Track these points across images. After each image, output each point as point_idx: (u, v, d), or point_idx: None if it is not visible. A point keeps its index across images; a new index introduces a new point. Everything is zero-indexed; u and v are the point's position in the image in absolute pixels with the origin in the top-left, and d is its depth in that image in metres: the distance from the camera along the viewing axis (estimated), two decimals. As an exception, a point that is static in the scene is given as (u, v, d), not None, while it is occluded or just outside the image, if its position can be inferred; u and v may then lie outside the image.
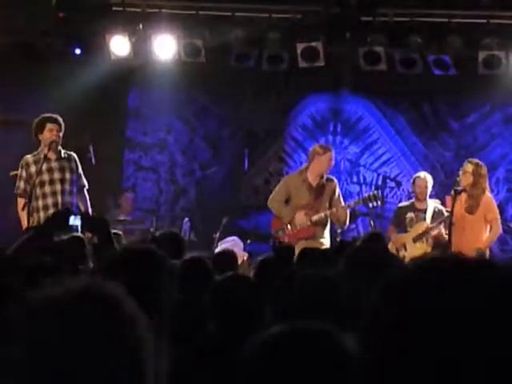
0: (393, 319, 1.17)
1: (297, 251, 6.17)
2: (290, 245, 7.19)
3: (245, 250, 9.25)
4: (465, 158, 9.06)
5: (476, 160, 8.79)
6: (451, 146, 11.65)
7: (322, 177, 8.78)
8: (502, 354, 1.13)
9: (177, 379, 2.69)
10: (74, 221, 4.07)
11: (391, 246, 8.71)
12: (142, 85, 11.82)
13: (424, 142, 11.71)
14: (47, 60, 10.75)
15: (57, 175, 8.19)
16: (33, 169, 8.16)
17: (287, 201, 8.79)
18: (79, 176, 8.35)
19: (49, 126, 8.18)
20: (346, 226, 9.09)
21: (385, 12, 10.21)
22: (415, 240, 8.91)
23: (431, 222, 8.90)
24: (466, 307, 1.15)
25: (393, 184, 11.79)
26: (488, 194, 8.76)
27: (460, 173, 8.68)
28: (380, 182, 11.79)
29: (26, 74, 10.79)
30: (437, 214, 8.97)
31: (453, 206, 8.38)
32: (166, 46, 10.47)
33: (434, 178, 9.61)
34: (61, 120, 8.23)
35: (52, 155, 8.17)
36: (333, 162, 8.93)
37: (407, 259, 8.12)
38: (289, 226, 8.71)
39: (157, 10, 10.42)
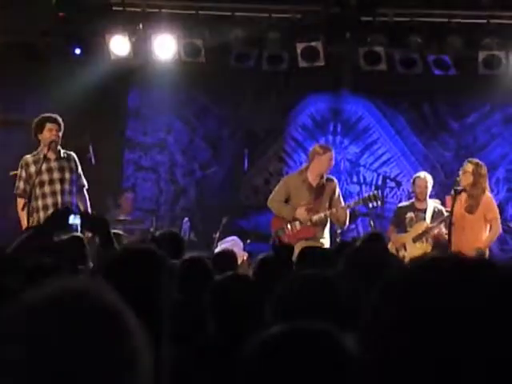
0: (393, 319, 1.17)
1: (297, 251, 6.17)
2: (290, 244, 7.19)
3: (245, 249, 9.24)
4: (465, 158, 9.06)
5: (476, 160, 8.79)
6: (451, 146, 11.65)
7: (322, 177, 8.78)
8: (502, 354, 1.13)
9: (177, 379, 2.69)
10: (74, 220, 4.07)
11: (391, 246, 8.71)
12: (142, 85, 11.82)
13: (424, 142, 11.71)
14: (47, 60, 10.75)
15: (56, 175, 8.19)
16: (32, 169, 8.16)
17: (287, 201, 8.78)
18: (79, 176, 8.35)
19: (48, 125, 8.18)
20: (345, 227, 9.09)
21: (385, 12, 10.21)
22: (415, 240, 8.91)
23: (431, 222, 8.90)
24: (465, 307, 1.15)
25: (393, 184, 11.79)
26: (488, 193, 8.76)
27: (460, 173, 8.68)
28: (380, 182, 11.79)
29: (26, 73, 10.79)
30: (437, 214, 8.97)
31: (453, 206, 8.38)
32: (165, 46, 10.47)
33: (434, 178, 9.61)
34: (60, 120, 8.23)
35: (51, 155, 8.17)
36: (333, 162, 8.93)
37: (407, 259, 8.13)
38: (289, 226, 8.70)
39: (157, 10, 10.43)
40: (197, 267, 4.30)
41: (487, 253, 8.64)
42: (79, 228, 6.01)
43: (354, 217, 9.73)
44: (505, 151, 11.50)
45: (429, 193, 9.15)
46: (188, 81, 11.37)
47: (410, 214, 9.07)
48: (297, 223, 8.70)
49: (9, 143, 10.61)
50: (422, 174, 9.31)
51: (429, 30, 10.16)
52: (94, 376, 1.23)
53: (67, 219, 4.06)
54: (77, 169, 8.34)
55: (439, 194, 10.24)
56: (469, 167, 8.59)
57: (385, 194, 11.40)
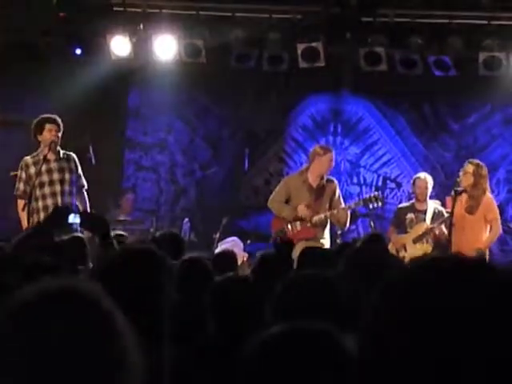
0: (393, 319, 1.17)
1: (297, 252, 6.17)
2: (290, 240, 7.17)
3: (245, 250, 9.25)
4: (465, 159, 9.06)
5: (476, 161, 8.79)
6: (451, 147, 11.65)
7: (322, 178, 8.78)
8: (502, 354, 1.13)
9: (177, 379, 2.69)
10: (74, 219, 4.06)
11: (391, 247, 8.71)
12: (142, 85, 11.82)
13: (424, 143, 11.71)
14: (47, 60, 10.75)
15: (56, 176, 8.18)
16: (32, 170, 8.15)
17: (287, 201, 8.78)
18: (79, 176, 8.34)
19: (48, 126, 8.17)
20: (346, 228, 9.09)
21: (385, 12, 10.21)
22: (415, 241, 8.91)
23: (431, 223, 8.90)
24: (465, 307, 1.15)
25: (393, 185, 11.79)
26: (489, 194, 8.76)
27: (460, 173, 8.68)
28: (380, 183, 11.79)
29: (27, 73, 10.79)
30: (437, 215, 8.97)
31: (453, 207, 8.38)
32: (166, 47, 10.47)
33: (435, 179, 9.61)
34: (59, 120, 8.22)
35: (51, 156, 8.16)
36: (333, 163, 8.93)
37: (407, 260, 8.12)
38: (289, 226, 8.70)
39: (157, 11, 10.43)
40: (196, 267, 4.29)
41: (487, 253, 8.64)
42: (79, 228, 6.00)
43: (354, 218, 9.72)
44: (505, 152, 11.50)
45: (429, 194, 9.15)
46: (188, 81, 11.37)
47: (410, 215, 9.07)
48: (297, 223, 8.70)
49: (9, 143, 10.62)
50: (422, 174, 9.31)
51: (429, 31, 10.16)
52: (83, 375, 1.23)
53: (67, 218, 4.05)
54: (77, 169, 8.33)
55: (439, 194, 10.24)
56: (469, 168, 8.59)
57: (385, 194, 11.39)
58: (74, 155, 8.38)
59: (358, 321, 1.27)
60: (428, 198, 9.14)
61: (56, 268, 3.58)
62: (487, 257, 8.59)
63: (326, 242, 8.69)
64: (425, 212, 9.00)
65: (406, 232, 9.05)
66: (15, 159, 8.56)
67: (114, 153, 11.64)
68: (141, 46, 10.59)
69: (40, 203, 8.07)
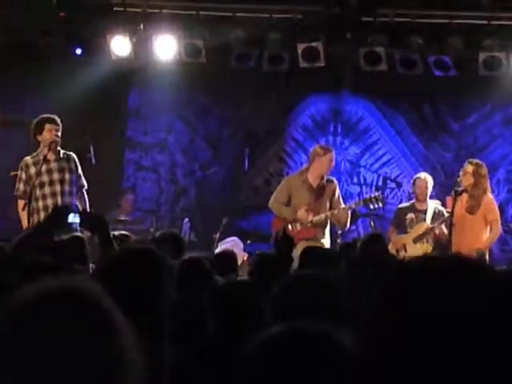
0: (393, 319, 1.17)
1: (298, 251, 6.17)
2: (291, 236, 7.17)
3: (245, 250, 9.25)
4: (465, 159, 9.05)
5: (476, 160, 8.79)
6: (451, 147, 11.65)
7: (322, 178, 8.78)
8: (502, 354, 1.13)
9: (177, 379, 2.69)
10: (74, 218, 4.06)
11: (391, 247, 8.71)
12: (142, 85, 11.82)
13: (424, 143, 11.71)
14: (48, 60, 10.75)
15: (56, 176, 8.18)
16: (32, 170, 8.15)
17: (288, 201, 8.77)
18: (79, 176, 8.33)
19: (48, 126, 8.16)
20: (346, 228, 9.09)
21: (385, 12, 10.21)
22: (415, 241, 8.91)
23: (431, 223, 8.90)
24: (465, 307, 1.15)
25: (393, 185, 11.79)
26: (489, 194, 8.76)
27: (460, 173, 8.68)
28: (380, 183, 11.79)
29: (27, 73, 10.79)
30: (437, 215, 8.97)
31: (453, 207, 8.38)
32: (166, 47, 10.47)
33: (435, 179, 9.61)
34: (59, 120, 8.22)
35: (51, 156, 8.16)
36: (333, 164, 8.93)
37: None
38: (289, 226, 8.70)
39: (157, 11, 10.43)
40: (196, 267, 4.29)
41: (487, 254, 8.64)
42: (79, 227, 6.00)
43: (354, 218, 9.72)
44: (505, 152, 11.50)
45: (429, 194, 9.16)
46: (188, 81, 11.37)
47: (410, 215, 9.07)
48: (297, 224, 8.70)
49: (9, 143, 10.61)
50: (423, 174, 9.32)
51: (429, 31, 10.16)
52: (83, 375, 1.23)
53: (66, 218, 4.05)
54: (77, 169, 8.33)
55: (439, 194, 10.24)
56: (469, 168, 8.59)
57: (385, 194, 11.39)
58: (74, 155, 8.38)
59: (358, 321, 1.27)
60: (428, 197, 9.14)
61: (56, 268, 3.58)
62: (487, 257, 8.60)
63: (327, 242, 8.69)
64: (425, 212, 9.01)
65: (406, 232, 9.05)
66: (15, 159, 8.55)
67: (114, 153, 11.64)
68: (141, 45, 10.59)
69: (40, 203, 8.07)
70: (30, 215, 7.86)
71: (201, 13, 10.41)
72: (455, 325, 1.14)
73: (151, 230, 10.37)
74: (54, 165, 8.20)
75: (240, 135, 11.94)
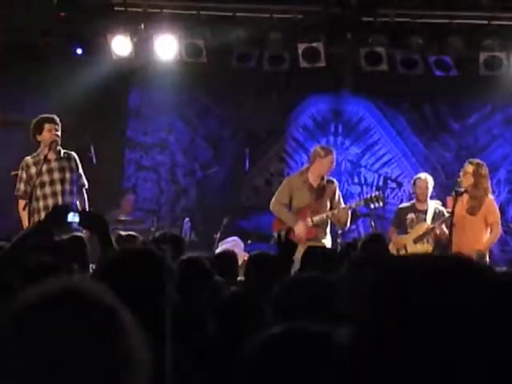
0: (393, 319, 1.16)
1: (300, 252, 6.18)
2: (294, 241, 7.18)
3: (245, 250, 9.24)
4: (466, 159, 9.05)
5: (476, 160, 8.79)
6: (452, 147, 11.64)
7: (322, 178, 8.78)
8: (502, 355, 1.13)
9: (177, 379, 2.69)
10: (73, 218, 4.05)
11: (392, 247, 8.70)
12: (143, 85, 11.82)
13: (425, 143, 11.70)
14: (48, 60, 10.75)
15: (57, 175, 8.18)
16: (33, 170, 8.15)
17: (289, 202, 8.77)
18: (79, 176, 8.33)
19: (47, 126, 8.16)
20: (346, 228, 9.10)
21: (386, 12, 10.21)
22: (416, 241, 8.91)
23: (432, 223, 8.90)
24: (465, 307, 1.15)
25: (394, 185, 11.78)
26: (490, 196, 8.76)
27: (461, 174, 8.68)
28: (381, 183, 11.79)
29: (27, 73, 10.78)
30: (437, 215, 8.97)
31: (454, 207, 8.38)
32: (167, 46, 10.47)
33: (435, 179, 9.61)
34: (58, 119, 8.21)
35: (52, 155, 8.16)
36: (334, 165, 8.94)
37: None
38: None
39: (158, 10, 10.43)
40: (195, 267, 4.28)
41: (487, 255, 8.63)
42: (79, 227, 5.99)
43: (355, 217, 9.72)
44: (506, 152, 11.49)
45: (429, 194, 9.15)
46: (189, 81, 11.37)
47: (410, 215, 9.07)
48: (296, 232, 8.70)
49: (9, 143, 10.61)
50: (423, 175, 9.32)
51: (430, 31, 10.16)
52: (89, 374, 1.23)
53: (66, 217, 4.04)
54: (77, 168, 8.33)
55: (440, 195, 10.24)
56: (469, 168, 8.59)
57: (386, 194, 11.38)
58: (74, 154, 8.37)
59: (359, 321, 1.26)
60: (428, 198, 9.14)
61: (56, 268, 3.58)
62: (487, 258, 8.60)
63: (328, 242, 8.70)
64: (425, 212, 9.01)
65: (406, 232, 9.05)
66: (15, 159, 8.55)
67: (114, 153, 11.64)
68: (142, 45, 10.59)
69: (41, 203, 8.07)
70: (30, 215, 7.86)
71: (202, 13, 10.41)
72: (455, 325, 1.14)
73: (152, 229, 10.36)
74: (54, 164, 8.20)
75: (241, 135, 11.93)
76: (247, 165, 11.53)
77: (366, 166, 11.82)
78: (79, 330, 1.23)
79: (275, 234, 8.81)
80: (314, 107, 11.90)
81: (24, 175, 8.20)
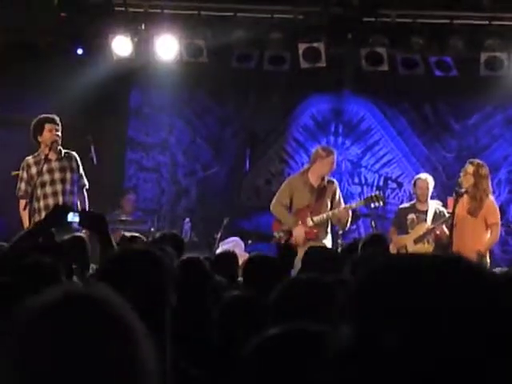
0: (379, 319, 1.16)
1: (300, 252, 6.19)
2: (294, 246, 7.19)
3: (246, 250, 9.24)
4: (466, 160, 9.05)
5: (477, 160, 8.79)
6: (453, 148, 11.64)
7: (323, 178, 8.79)
8: (501, 355, 1.13)
9: (177, 379, 2.69)
10: (73, 218, 4.05)
11: (392, 248, 8.70)
12: (143, 85, 11.83)
13: (425, 143, 11.70)
14: (48, 60, 10.74)
15: (57, 175, 8.18)
16: (34, 170, 8.15)
17: (290, 202, 8.77)
18: (80, 176, 8.34)
19: (48, 126, 8.16)
20: (347, 228, 9.10)
21: (386, 13, 10.21)
22: (416, 241, 8.91)
23: (432, 223, 8.90)
24: (462, 307, 1.15)
25: (394, 185, 11.78)
26: (491, 197, 8.75)
27: (461, 174, 8.68)
28: (381, 183, 11.78)
29: (28, 73, 10.78)
30: (438, 216, 8.97)
31: (454, 208, 8.37)
32: (167, 47, 10.47)
33: (436, 180, 9.61)
34: (58, 119, 8.21)
35: (52, 155, 8.16)
36: (335, 166, 8.95)
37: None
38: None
39: (159, 11, 10.43)
40: (194, 268, 4.27)
41: (487, 255, 8.63)
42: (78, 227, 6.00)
43: (355, 218, 9.73)
44: (506, 152, 11.48)
45: (430, 194, 9.16)
46: (190, 81, 11.37)
47: (411, 216, 9.07)
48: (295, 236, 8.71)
49: (9, 143, 10.61)
50: (423, 175, 9.32)
51: (430, 31, 10.15)
52: (98, 380, 1.22)
53: (65, 217, 4.04)
54: (78, 168, 8.33)
55: (440, 195, 10.24)
56: (470, 168, 8.59)
57: (386, 195, 11.38)
58: (75, 154, 8.38)
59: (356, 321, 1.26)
60: (429, 198, 9.15)
61: (56, 268, 3.58)
62: (488, 259, 8.59)
63: (328, 242, 8.70)
64: (426, 212, 9.01)
65: (407, 232, 9.06)
66: (16, 159, 8.56)
67: (115, 153, 11.64)
68: (142, 45, 10.59)
69: (41, 203, 8.07)
70: (31, 215, 7.86)
71: (202, 13, 10.41)
72: (451, 325, 1.14)
73: (152, 230, 10.36)
74: (55, 164, 8.20)
75: (241, 135, 11.93)
76: (248, 165, 11.52)
77: (367, 166, 11.82)
78: (90, 337, 1.23)
79: (275, 234, 8.83)
80: (315, 107, 11.90)
81: (25, 175, 8.20)
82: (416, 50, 10.22)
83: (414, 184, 9.24)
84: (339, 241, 9.27)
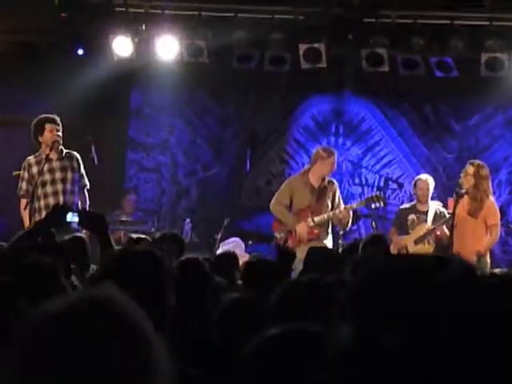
0: (379, 319, 1.16)
1: (301, 253, 6.18)
2: (293, 250, 7.18)
3: (246, 251, 9.24)
4: (467, 160, 9.06)
5: (477, 161, 8.79)
6: (453, 148, 11.63)
7: (323, 179, 8.79)
8: (501, 355, 1.13)
9: (177, 379, 2.68)
10: (72, 218, 4.04)
11: (393, 248, 8.71)
12: (144, 85, 11.83)
13: (426, 144, 11.69)
14: (49, 60, 10.75)
15: (58, 175, 8.19)
16: (35, 169, 8.16)
17: (290, 202, 8.77)
18: (81, 175, 8.34)
19: (48, 126, 8.16)
20: (348, 228, 9.11)
21: (387, 14, 10.21)
22: (417, 242, 8.92)
23: (432, 224, 8.91)
24: (464, 307, 1.15)
25: (395, 186, 11.78)
26: (491, 198, 8.75)
27: (462, 175, 8.68)
28: (382, 184, 11.78)
29: (28, 73, 10.78)
30: (438, 216, 8.98)
31: (455, 208, 8.37)
32: (168, 47, 10.47)
33: (436, 180, 9.61)
34: (58, 119, 8.21)
35: (54, 155, 8.17)
36: (335, 166, 8.95)
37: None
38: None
39: (159, 11, 10.43)
40: (193, 268, 4.27)
41: (488, 256, 8.63)
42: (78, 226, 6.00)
43: (356, 218, 9.73)
44: (507, 153, 11.48)
45: (430, 195, 9.16)
46: (190, 81, 11.38)
47: (411, 216, 9.08)
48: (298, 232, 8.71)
49: (10, 143, 10.61)
50: (424, 176, 9.32)
51: (431, 32, 10.15)
52: (112, 382, 1.22)
53: (65, 217, 4.04)
54: (79, 168, 8.33)
55: (441, 196, 10.24)
56: (470, 169, 8.59)
57: (387, 195, 11.37)
58: (76, 154, 8.38)
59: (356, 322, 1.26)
60: (429, 199, 9.15)
61: (55, 268, 3.57)
62: (488, 259, 8.59)
63: (329, 243, 8.71)
64: (426, 213, 9.01)
65: (407, 233, 9.06)
66: (17, 159, 8.56)
67: (115, 153, 11.64)
68: (143, 46, 10.59)
69: (42, 202, 8.08)
70: (31, 214, 7.87)
71: (203, 13, 10.41)
72: (450, 325, 1.13)
73: (152, 230, 10.36)
74: (56, 163, 8.20)
75: (242, 136, 11.93)
76: (248, 165, 11.52)
77: (367, 166, 11.82)
78: (103, 342, 1.22)
79: (276, 235, 8.83)
80: (315, 108, 11.90)
81: (26, 175, 8.21)
82: (416, 50, 10.22)
83: (415, 185, 9.24)
84: (340, 241, 9.28)
